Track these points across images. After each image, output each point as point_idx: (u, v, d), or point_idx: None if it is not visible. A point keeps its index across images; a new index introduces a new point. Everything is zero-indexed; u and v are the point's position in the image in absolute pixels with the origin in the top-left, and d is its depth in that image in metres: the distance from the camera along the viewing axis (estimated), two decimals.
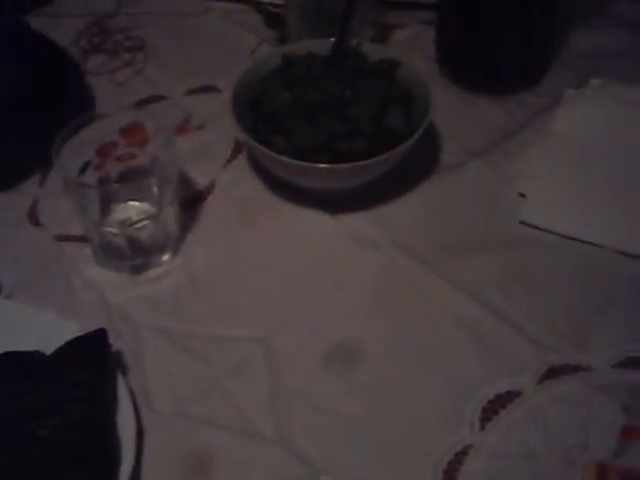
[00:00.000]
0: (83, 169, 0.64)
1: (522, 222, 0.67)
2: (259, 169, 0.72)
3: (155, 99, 0.80)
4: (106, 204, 0.64)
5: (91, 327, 0.58)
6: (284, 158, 0.63)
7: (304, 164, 0.63)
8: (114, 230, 0.63)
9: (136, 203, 0.65)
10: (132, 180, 0.66)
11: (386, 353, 0.60)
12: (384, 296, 0.63)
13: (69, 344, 0.56)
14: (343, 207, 0.69)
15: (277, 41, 0.84)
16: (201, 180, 0.72)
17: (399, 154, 0.64)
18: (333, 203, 0.69)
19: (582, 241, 0.66)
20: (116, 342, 0.58)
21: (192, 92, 0.81)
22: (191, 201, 0.70)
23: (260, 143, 0.65)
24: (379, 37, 0.84)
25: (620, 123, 0.73)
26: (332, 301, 0.63)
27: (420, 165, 0.72)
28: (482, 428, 0.55)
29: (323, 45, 0.72)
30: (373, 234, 0.67)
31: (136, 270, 0.65)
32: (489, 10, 0.74)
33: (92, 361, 0.55)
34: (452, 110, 0.77)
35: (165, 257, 0.66)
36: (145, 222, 0.63)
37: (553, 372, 0.58)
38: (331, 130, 0.64)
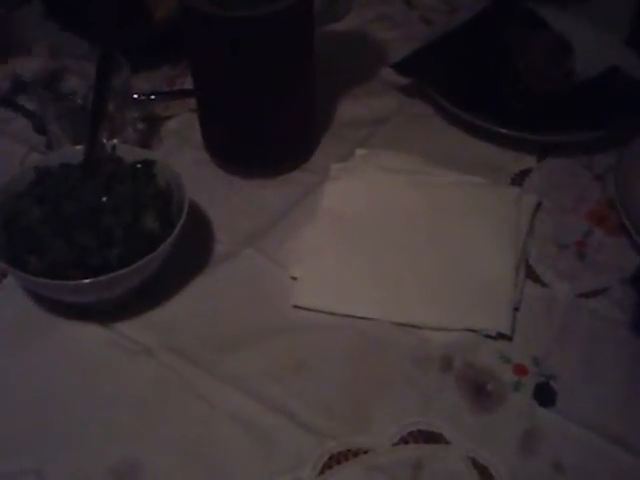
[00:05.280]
0: None
1: (295, 306, 0.66)
2: None
3: None
4: None
5: None
6: (32, 277, 0.61)
7: (53, 282, 0.60)
8: None
9: None
10: None
11: (166, 467, 0.57)
12: (160, 406, 0.61)
13: None
14: (118, 315, 0.66)
15: (47, 148, 0.82)
16: None
17: (156, 259, 0.63)
18: (107, 313, 0.66)
19: (356, 317, 0.65)
20: None
21: None
22: None
23: (15, 263, 0.62)
24: (149, 131, 0.83)
25: (382, 191, 0.74)
26: (107, 419, 0.60)
27: (193, 260, 0.70)
28: None
29: (79, 153, 0.70)
30: (147, 340, 0.65)
31: None
32: (243, 97, 0.73)
33: None
34: (224, 198, 0.76)
35: None
36: None
37: (335, 459, 0.57)
38: (82, 244, 0.62)
